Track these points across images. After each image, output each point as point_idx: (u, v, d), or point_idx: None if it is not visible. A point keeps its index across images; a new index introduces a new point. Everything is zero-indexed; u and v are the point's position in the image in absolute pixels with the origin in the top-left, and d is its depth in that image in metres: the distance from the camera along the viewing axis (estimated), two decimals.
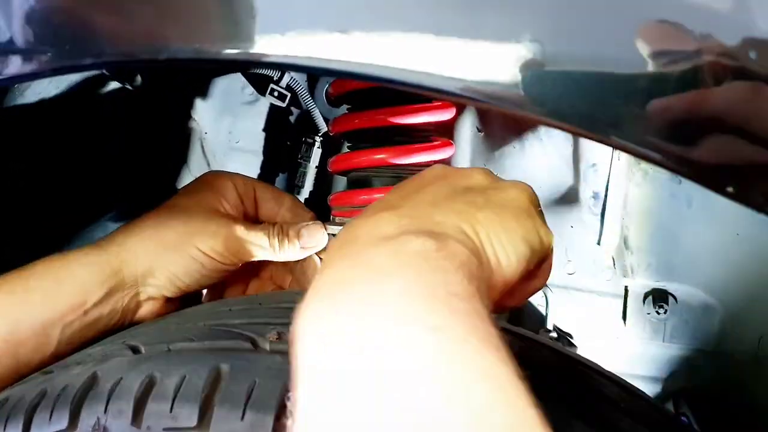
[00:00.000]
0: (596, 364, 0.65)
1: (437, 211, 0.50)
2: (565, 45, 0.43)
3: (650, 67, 0.41)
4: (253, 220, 0.84)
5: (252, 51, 0.46)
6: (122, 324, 0.74)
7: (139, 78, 0.87)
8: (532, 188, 0.58)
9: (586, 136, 0.45)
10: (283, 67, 0.89)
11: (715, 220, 0.94)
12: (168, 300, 0.77)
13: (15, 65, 0.53)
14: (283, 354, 0.55)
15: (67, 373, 0.58)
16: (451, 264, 0.43)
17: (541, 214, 0.58)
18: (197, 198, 0.79)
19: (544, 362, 0.61)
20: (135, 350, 0.59)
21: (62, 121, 0.93)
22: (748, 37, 0.40)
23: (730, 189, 0.42)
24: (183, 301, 0.80)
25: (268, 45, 0.46)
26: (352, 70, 0.47)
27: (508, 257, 0.50)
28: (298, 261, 0.84)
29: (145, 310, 0.75)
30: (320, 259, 0.83)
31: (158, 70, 0.97)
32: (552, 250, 0.58)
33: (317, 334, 0.39)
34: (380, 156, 0.81)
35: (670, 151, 0.43)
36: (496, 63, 0.44)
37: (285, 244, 0.80)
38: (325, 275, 0.44)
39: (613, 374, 0.64)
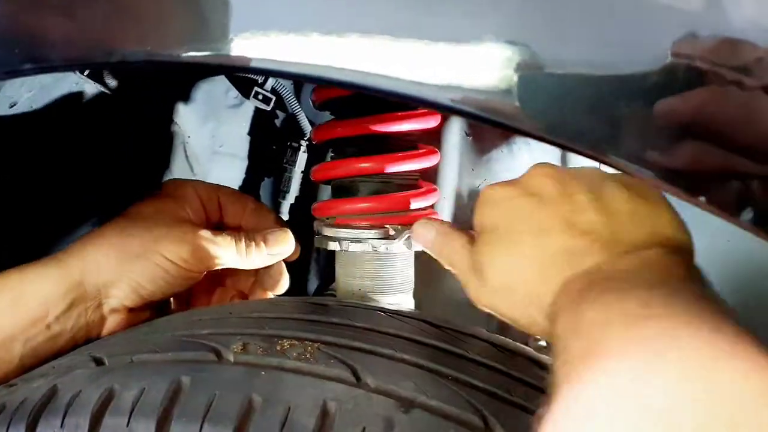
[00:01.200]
0: None
1: (632, 224, 0.50)
2: (556, 52, 0.42)
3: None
4: (217, 226, 0.82)
5: (207, 54, 0.44)
6: (88, 339, 0.72)
7: (113, 82, 0.85)
8: None
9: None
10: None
11: (704, 227, 0.92)
12: (132, 311, 0.74)
13: None
14: (246, 365, 0.53)
15: (28, 387, 0.57)
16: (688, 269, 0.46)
17: None
18: (159, 205, 0.78)
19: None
20: (99, 362, 0.58)
21: (39, 128, 0.92)
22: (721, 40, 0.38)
23: (702, 198, 0.40)
24: (154, 313, 0.78)
25: (223, 47, 0.44)
26: (319, 74, 0.45)
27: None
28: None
29: (111, 323, 0.73)
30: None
31: (133, 73, 0.95)
32: None
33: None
34: (364, 165, 0.79)
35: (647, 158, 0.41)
36: (483, 73, 0.42)
37: (252, 250, 0.78)
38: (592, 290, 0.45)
39: None
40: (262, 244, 0.79)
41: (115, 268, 0.71)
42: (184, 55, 0.45)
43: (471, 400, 0.51)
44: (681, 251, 0.49)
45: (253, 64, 0.45)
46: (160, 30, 0.46)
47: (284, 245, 0.80)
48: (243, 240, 0.78)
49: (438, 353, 0.58)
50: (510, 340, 0.67)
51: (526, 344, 1.03)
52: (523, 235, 0.54)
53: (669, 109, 0.39)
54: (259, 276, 0.87)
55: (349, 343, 0.57)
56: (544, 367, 0.62)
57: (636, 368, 0.35)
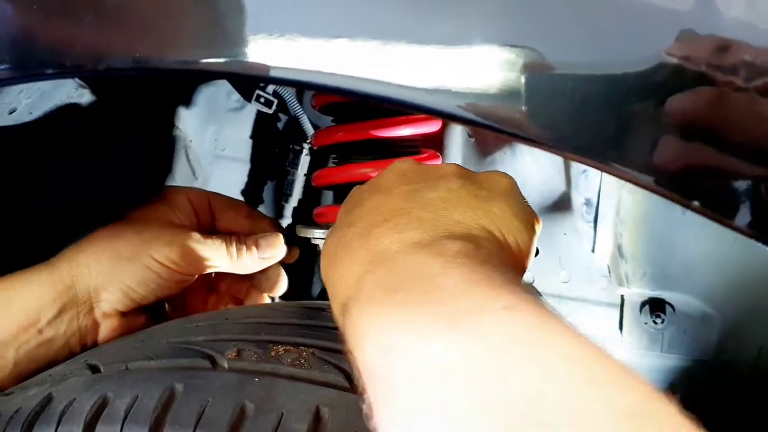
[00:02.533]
0: None
1: (452, 210, 0.49)
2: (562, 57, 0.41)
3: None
4: (209, 231, 0.82)
5: (191, 60, 0.44)
6: (84, 345, 0.72)
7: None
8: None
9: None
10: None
11: (711, 226, 0.91)
12: (125, 316, 0.74)
13: None
14: (240, 372, 0.53)
15: (24, 395, 0.57)
16: (492, 260, 0.42)
17: None
18: (150, 210, 0.78)
19: None
20: (94, 369, 0.58)
21: (39, 135, 0.92)
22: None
23: (695, 203, 0.40)
24: (150, 319, 0.78)
25: (206, 54, 0.44)
26: (318, 81, 0.45)
27: (523, 242, 0.51)
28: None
29: (105, 328, 0.73)
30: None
31: (136, 79, 0.95)
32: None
33: (382, 339, 0.38)
34: (365, 171, 0.78)
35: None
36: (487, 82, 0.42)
37: (243, 253, 0.78)
38: (365, 282, 0.44)
39: None
40: (253, 247, 0.79)
41: (105, 272, 0.71)
42: (170, 61, 0.44)
43: None
44: (501, 248, 0.48)
45: (237, 70, 0.45)
46: (146, 37, 0.45)
47: (276, 249, 0.80)
48: (234, 243, 0.78)
49: None
50: None
51: None
52: (340, 227, 0.54)
53: (677, 106, 0.38)
54: (256, 279, 0.87)
55: (344, 348, 0.56)
56: None
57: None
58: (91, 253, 0.72)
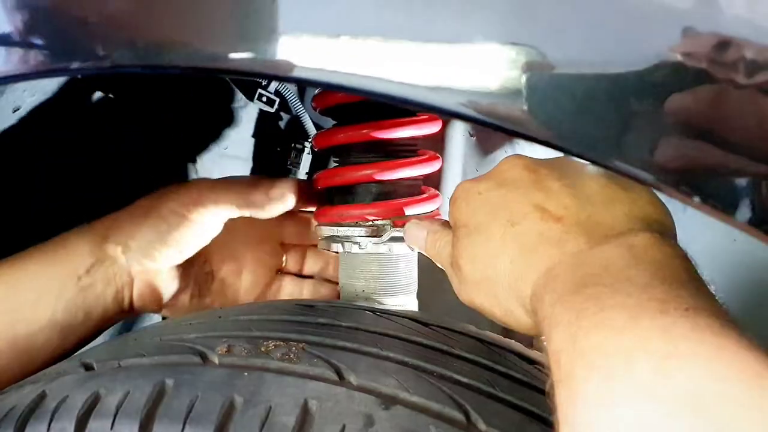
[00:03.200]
0: None
1: (618, 203, 0.50)
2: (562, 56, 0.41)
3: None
4: None
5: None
6: (120, 302, 0.77)
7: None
8: None
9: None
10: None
11: (711, 225, 0.90)
12: (159, 279, 0.80)
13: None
14: (230, 367, 0.53)
15: (18, 393, 0.58)
16: (677, 253, 0.44)
17: None
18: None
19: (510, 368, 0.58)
20: (88, 367, 0.58)
21: (43, 133, 0.93)
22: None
23: (696, 199, 0.40)
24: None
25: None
26: (325, 79, 0.46)
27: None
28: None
29: (139, 286, 0.78)
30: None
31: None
32: None
33: (569, 328, 0.40)
34: (366, 172, 0.78)
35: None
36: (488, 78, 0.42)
37: (251, 191, 0.79)
38: (558, 272, 0.46)
39: None
40: (262, 187, 0.80)
41: (130, 227, 0.76)
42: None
43: (453, 395, 0.51)
44: (666, 235, 0.47)
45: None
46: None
47: (284, 188, 0.80)
48: (247, 186, 0.80)
49: (423, 350, 0.57)
50: (500, 337, 0.66)
51: (531, 345, 1.03)
52: (494, 226, 0.54)
53: (677, 104, 0.38)
54: (288, 234, 0.92)
55: (334, 343, 0.57)
56: (532, 361, 0.62)
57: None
58: (122, 213, 0.78)
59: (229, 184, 0.79)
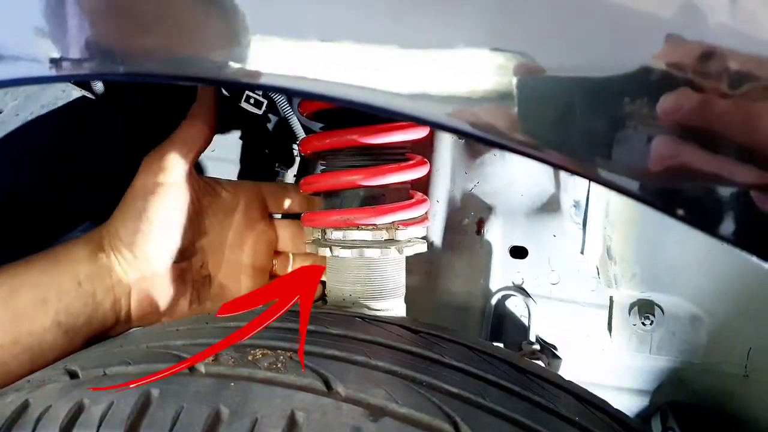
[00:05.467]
0: (553, 374, 0.63)
1: None
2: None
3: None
4: None
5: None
6: (117, 310, 0.78)
7: (99, 85, 0.84)
8: None
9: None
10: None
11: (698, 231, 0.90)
12: (155, 286, 0.80)
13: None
14: (217, 376, 0.53)
15: (1, 401, 0.56)
16: None
17: None
18: None
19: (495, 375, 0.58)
20: (72, 375, 0.58)
21: (27, 136, 0.92)
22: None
23: (680, 212, 0.40)
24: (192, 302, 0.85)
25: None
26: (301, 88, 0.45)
27: None
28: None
29: (136, 294, 0.79)
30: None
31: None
32: None
33: None
34: (353, 177, 0.78)
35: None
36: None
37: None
38: None
39: (573, 384, 0.62)
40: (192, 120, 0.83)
41: (118, 225, 0.78)
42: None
43: (443, 405, 0.50)
44: None
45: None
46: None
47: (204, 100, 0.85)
48: (182, 129, 0.83)
49: (412, 359, 0.57)
50: (490, 344, 0.66)
51: (520, 348, 1.03)
52: None
53: (660, 115, 0.38)
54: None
55: (322, 351, 0.56)
56: (523, 371, 0.61)
57: None
58: (115, 212, 0.79)
59: (171, 138, 0.81)
